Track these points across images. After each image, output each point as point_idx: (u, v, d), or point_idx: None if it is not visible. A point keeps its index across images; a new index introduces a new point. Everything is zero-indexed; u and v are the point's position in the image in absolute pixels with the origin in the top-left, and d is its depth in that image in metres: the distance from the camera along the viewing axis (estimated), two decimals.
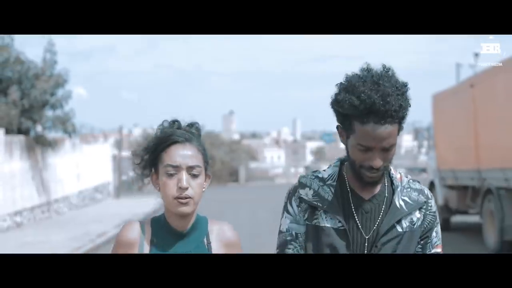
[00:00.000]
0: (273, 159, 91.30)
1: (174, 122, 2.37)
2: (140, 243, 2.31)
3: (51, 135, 18.88)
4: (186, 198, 2.24)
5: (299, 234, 2.36)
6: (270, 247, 2.66)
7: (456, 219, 15.19)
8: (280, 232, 2.40)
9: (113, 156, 30.09)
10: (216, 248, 2.35)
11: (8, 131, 16.11)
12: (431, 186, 15.41)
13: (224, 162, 42.51)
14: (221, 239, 2.37)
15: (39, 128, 17.92)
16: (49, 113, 17.94)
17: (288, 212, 2.38)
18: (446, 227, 14.60)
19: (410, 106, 2.23)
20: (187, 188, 2.24)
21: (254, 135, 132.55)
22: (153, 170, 2.34)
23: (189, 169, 2.26)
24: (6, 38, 17.06)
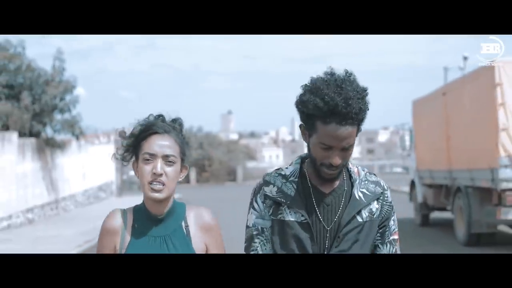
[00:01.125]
0: (272, 158, 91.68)
1: (159, 116, 2.49)
2: (122, 230, 2.43)
3: (59, 137, 19.90)
4: (159, 184, 2.36)
5: (264, 229, 2.46)
6: None
7: (435, 215, 16.32)
8: (247, 227, 2.50)
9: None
10: (194, 231, 2.45)
11: (20, 134, 17.13)
12: (412, 185, 16.60)
13: (222, 162, 43.03)
14: (198, 222, 2.47)
15: (49, 131, 19.02)
16: (58, 116, 18.97)
17: (254, 208, 2.48)
18: (425, 222, 15.78)
19: (368, 110, 2.35)
20: (161, 175, 2.36)
21: (252, 135, 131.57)
22: (134, 158, 2.46)
23: (165, 157, 2.38)
24: (18, 47, 18.25)
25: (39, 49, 58.16)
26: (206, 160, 42.33)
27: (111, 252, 2.43)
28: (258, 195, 2.48)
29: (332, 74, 2.34)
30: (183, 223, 2.45)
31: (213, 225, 2.49)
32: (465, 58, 33.13)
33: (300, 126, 2.43)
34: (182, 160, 2.46)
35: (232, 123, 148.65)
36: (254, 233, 2.47)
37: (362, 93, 2.30)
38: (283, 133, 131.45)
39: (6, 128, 16.94)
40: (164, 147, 2.39)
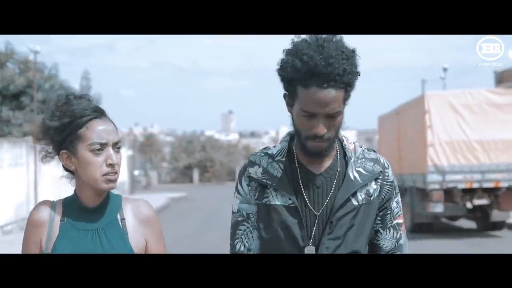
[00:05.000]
0: None
1: (81, 96, 2.22)
2: (49, 222, 2.23)
3: None
4: (114, 174, 2.16)
5: (250, 214, 2.23)
6: None
7: None
8: (232, 212, 2.28)
9: (127, 156, 32.85)
10: (132, 225, 2.25)
11: None
12: None
13: (223, 163, 45.97)
14: (136, 215, 2.27)
15: None
16: None
17: (238, 192, 2.25)
18: None
19: (358, 74, 2.11)
20: (116, 164, 2.17)
21: (253, 134, 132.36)
22: (63, 150, 2.19)
23: (114, 144, 2.18)
24: (52, 69, 21.93)
25: (40, 47, 60.92)
26: (208, 161, 45.03)
27: (37, 246, 2.23)
28: (243, 177, 2.26)
29: (315, 35, 2.14)
30: (118, 216, 2.26)
31: (152, 217, 2.29)
32: (445, 69, 35.88)
33: (284, 96, 2.20)
34: None
35: (233, 122, 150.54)
36: (239, 219, 2.25)
37: (348, 53, 2.09)
38: (283, 133, 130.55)
39: None
40: (112, 132, 2.18)
